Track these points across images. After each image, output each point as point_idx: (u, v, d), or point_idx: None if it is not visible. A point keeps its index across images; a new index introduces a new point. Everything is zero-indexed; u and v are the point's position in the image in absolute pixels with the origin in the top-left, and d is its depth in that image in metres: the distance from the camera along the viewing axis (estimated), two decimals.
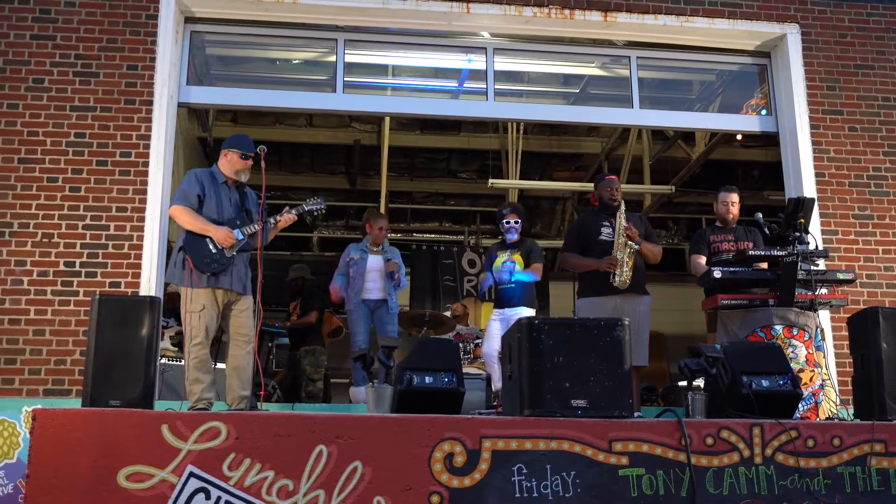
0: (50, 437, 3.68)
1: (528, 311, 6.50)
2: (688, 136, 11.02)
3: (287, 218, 5.21)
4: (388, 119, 11.29)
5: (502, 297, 6.58)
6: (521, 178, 12.10)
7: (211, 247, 4.89)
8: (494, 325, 6.52)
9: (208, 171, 5.17)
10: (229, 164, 5.12)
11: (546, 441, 3.88)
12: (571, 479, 3.86)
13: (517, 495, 3.80)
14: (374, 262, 6.79)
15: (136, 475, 3.64)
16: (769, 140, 11.82)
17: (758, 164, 13.56)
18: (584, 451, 3.89)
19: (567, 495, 3.84)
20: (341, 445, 3.75)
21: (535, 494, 3.82)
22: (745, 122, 7.25)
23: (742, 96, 7.60)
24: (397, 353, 4.20)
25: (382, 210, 10.15)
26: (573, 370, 4.04)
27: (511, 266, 6.52)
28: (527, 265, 6.57)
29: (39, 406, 4.11)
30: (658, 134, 11.69)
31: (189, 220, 4.92)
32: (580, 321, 4.24)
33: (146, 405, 4.08)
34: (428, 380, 4.16)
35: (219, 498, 3.66)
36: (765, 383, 4.27)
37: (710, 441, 3.98)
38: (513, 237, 6.65)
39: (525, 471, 3.83)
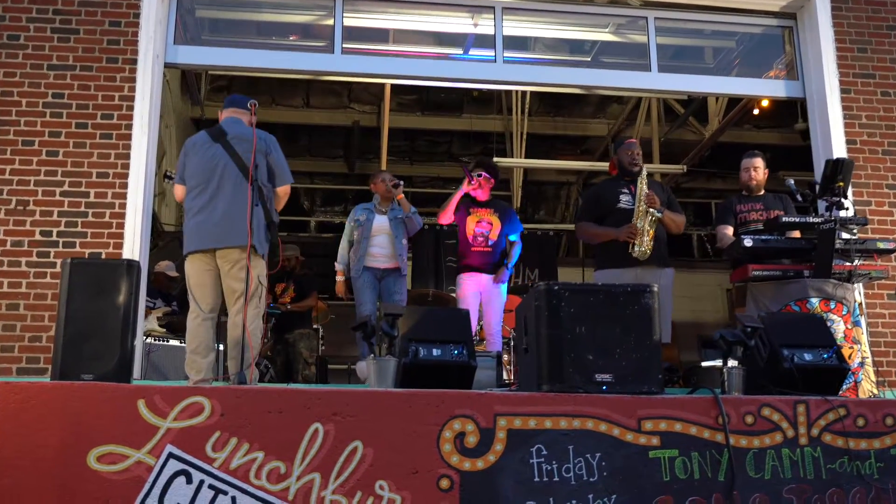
0: (13, 413, 3.28)
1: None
2: (700, 114, 10.65)
3: None
4: (388, 98, 10.91)
5: (476, 261, 6.26)
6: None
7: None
8: (472, 295, 6.16)
9: None
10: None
11: (568, 419, 3.49)
12: (596, 461, 3.47)
13: (536, 479, 3.42)
14: (381, 222, 6.32)
15: (109, 456, 3.24)
16: (783, 120, 11.63)
17: (769, 146, 13.25)
18: (611, 431, 3.51)
19: (591, 479, 3.45)
20: (339, 423, 3.36)
21: (556, 478, 3.43)
22: (769, 87, 6.83)
23: (760, 69, 7.20)
24: (402, 323, 3.77)
25: None
26: (597, 341, 3.65)
27: (488, 228, 6.20)
28: (507, 232, 6.34)
29: None
30: (669, 114, 11.35)
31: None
32: (604, 287, 3.82)
33: (122, 380, 3.66)
34: (435, 352, 3.75)
35: (201, 482, 3.26)
36: (807, 357, 3.87)
37: (749, 420, 3.59)
38: (483, 196, 6.35)
39: (545, 452, 3.45)
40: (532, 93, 11.50)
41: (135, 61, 5.64)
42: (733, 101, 9.67)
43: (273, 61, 6.20)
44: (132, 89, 5.59)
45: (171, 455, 3.26)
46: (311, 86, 11.97)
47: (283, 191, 4.69)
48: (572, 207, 14.88)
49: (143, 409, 3.30)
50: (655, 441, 3.51)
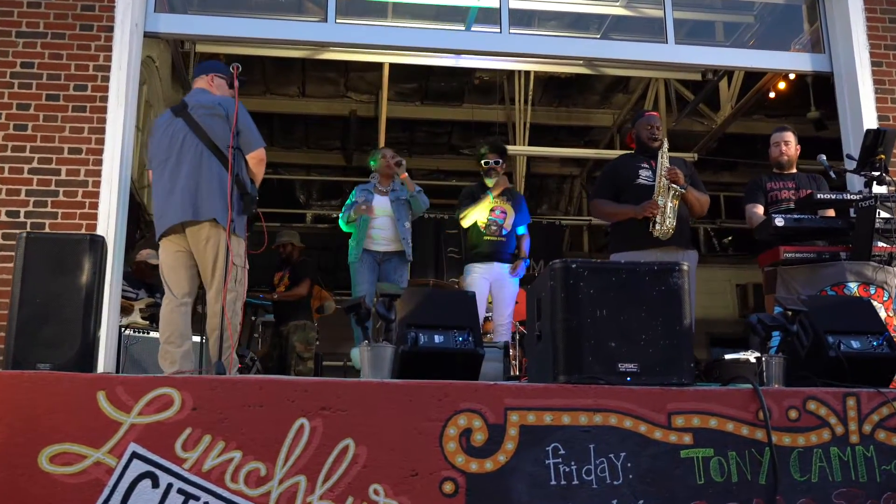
0: None
1: None
2: (712, 100, 10.25)
3: None
4: (385, 84, 10.52)
5: (489, 251, 5.92)
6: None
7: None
8: (483, 285, 5.78)
9: None
10: (222, 91, 4.46)
11: (588, 414, 3.09)
12: (621, 462, 3.06)
13: (553, 482, 3.01)
14: (382, 203, 5.91)
15: (63, 456, 2.84)
16: (794, 109, 11.22)
17: None
18: (637, 427, 3.10)
19: (616, 483, 3.04)
20: (328, 419, 2.95)
21: (576, 481, 3.02)
22: (794, 61, 6.37)
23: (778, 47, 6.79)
24: (400, 306, 3.34)
25: None
26: (620, 327, 3.25)
27: (502, 217, 5.84)
28: (518, 222, 6.04)
29: None
30: (678, 102, 10.96)
31: (262, 174, 4.33)
32: (628, 266, 3.41)
33: (84, 371, 3.24)
34: (438, 339, 3.33)
35: (169, 485, 2.85)
36: (855, 345, 3.45)
37: (793, 414, 3.18)
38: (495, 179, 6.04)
39: (562, 451, 3.04)
40: (535, 81, 11.16)
41: (111, 29, 5.21)
42: (746, 87, 9.29)
43: (263, 30, 5.75)
44: (108, 59, 5.16)
45: (134, 455, 2.86)
46: (306, 73, 11.58)
47: (255, 157, 4.27)
48: (575, 201, 14.52)
49: (103, 402, 2.90)
50: (688, 439, 3.11)
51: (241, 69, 4.18)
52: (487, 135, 12.60)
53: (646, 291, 3.31)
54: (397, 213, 5.87)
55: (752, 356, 5.38)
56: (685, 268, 3.37)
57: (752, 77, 9.00)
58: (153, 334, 5.78)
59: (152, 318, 6.58)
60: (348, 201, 6.05)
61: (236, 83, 4.16)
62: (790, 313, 3.42)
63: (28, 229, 4.87)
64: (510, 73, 11.24)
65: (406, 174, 5.95)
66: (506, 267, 5.85)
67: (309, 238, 9.25)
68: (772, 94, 8.78)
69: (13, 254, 4.74)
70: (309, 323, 7.48)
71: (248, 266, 4.27)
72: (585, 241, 13.46)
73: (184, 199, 4.15)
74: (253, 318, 7.10)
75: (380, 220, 5.85)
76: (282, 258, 7.67)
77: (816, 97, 10.59)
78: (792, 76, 8.40)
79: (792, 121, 11.93)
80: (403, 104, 12.19)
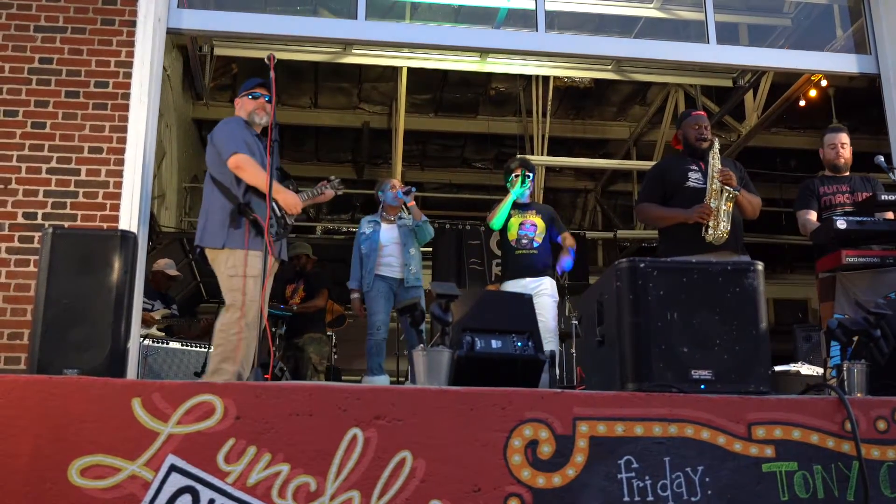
0: None
1: (553, 283, 5.72)
2: (737, 112, 10.05)
3: (327, 193, 4.67)
4: (403, 93, 10.29)
5: (521, 265, 5.70)
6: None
7: (276, 209, 4.16)
8: None
9: (240, 119, 4.39)
10: (243, 109, 4.37)
11: (663, 425, 2.86)
12: (699, 476, 2.84)
13: (626, 499, 2.78)
14: (390, 232, 5.91)
15: (96, 469, 2.61)
16: (815, 121, 11.04)
17: (795, 152, 12.69)
18: (715, 439, 2.88)
19: (693, 499, 2.81)
20: (383, 429, 2.72)
21: (650, 497, 2.79)
22: (839, 62, 6.08)
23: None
24: (455, 308, 3.11)
25: None
26: (692, 331, 3.03)
27: (532, 229, 5.63)
28: (553, 234, 5.81)
29: None
30: None
31: (258, 176, 4.12)
32: (700, 265, 3.19)
33: (115, 376, 3.00)
34: (495, 344, 3.11)
35: (211, 501, 2.62)
36: None
37: (882, 426, 2.96)
38: (524, 197, 5.87)
39: (635, 465, 2.82)
40: (553, 92, 10.95)
41: (133, 23, 4.99)
42: (770, 99, 9.08)
43: (292, 27, 5.49)
44: (130, 55, 4.95)
45: (173, 468, 2.63)
46: (319, 83, 11.41)
47: (231, 164, 4.16)
48: (589, 215, 14.33)
49: (138, 410, 2.66)
50: (769, 451, 2.89)
51: (276, 59, 4.00)
52: (502, 147, 12.44)
53: (719, 293, 3.09)
54: (403, 239, 5.90)
55: (801, 368, 5.15)
56: (760, 268, 3.14)
57: (778, 88, 8.81)
58: (172, 344, 5.57)
59: (168, 329, 6.36)
60: (356, 237, 6.07)
61: (273, 74, 3.99)
62: (875, 316, 3.18)
63: None
64: (527, 83, 11.08)
65: (413, 202, 5.93)
66: (540, 279, 5.61)
67: (319, 251, 9.03)
68: (802, 102, 8.54)
69: (31, 257, 4.58)
70: (324, 336, 7.28)
71: (249, 275, 4.06)
72: (600, 256, 13.24)
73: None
74: (273, 329, 6.85)
75: (389, 248, 5.88)
76: (295, 270, 7.45)
77: (838, 110, 10.42)
78: (823, 83, 8.19)
79: (814, 134, 11.78)
80: (417, 116, 11.98)
